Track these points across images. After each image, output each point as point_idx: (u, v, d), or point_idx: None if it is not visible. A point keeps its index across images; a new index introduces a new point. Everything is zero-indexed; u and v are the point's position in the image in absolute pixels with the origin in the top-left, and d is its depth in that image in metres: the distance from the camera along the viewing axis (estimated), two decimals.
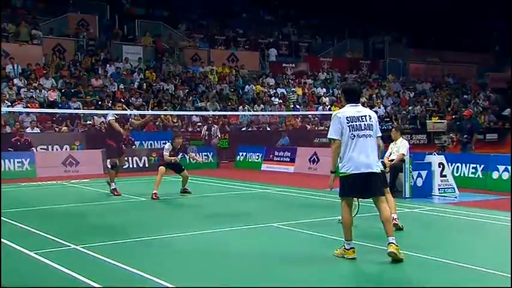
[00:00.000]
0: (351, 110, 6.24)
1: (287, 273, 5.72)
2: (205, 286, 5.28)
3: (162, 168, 11.81)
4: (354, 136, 6.11)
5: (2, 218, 9.00)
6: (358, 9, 34.23)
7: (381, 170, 6.47)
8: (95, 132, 19.92)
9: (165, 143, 12.60)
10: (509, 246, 6.27)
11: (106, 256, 6.29)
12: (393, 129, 12.01)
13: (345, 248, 6.16)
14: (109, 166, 12.60)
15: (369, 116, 6.25)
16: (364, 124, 6.18)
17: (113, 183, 12.02)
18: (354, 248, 6.15)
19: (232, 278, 5.59)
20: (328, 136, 6.24)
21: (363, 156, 6.10)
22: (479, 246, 7.14)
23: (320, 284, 5.35)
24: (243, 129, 23.17)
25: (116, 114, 12.37)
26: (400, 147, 11.24)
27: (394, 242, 5.96)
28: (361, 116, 6.20)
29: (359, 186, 6.12)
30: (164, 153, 11.95)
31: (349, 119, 6.13)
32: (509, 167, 12.06)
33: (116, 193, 11.87)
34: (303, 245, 7.15)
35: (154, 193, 11.29)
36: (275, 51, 30.60)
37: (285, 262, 6.18)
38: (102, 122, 20.31)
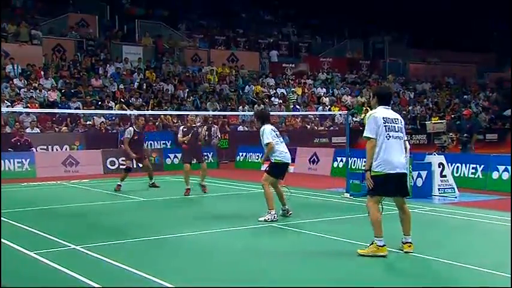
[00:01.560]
0: (385, 111, 6.39)
1: (286, 272, 5.73)
2: (204, 286, 5.29)
3: (186, 165, 12.11)
4: (390, 137, 6.26)
5: (2, 218, 9.02)
6: (358, 10, 34.27)
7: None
8: (95, 132, 19.93)
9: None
10: (509, 247, 6.28)
11: (106, 256, 6.30)
12: None
13: (377, 245, 6.19)
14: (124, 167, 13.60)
15: (400, 120, 6.49)
16: (397, 126, 6.38)
17: (121, 182, 12.90)
18: (386, 245, 6.19)
19: (231, 277, 5.58)
20: (365, 135, 6.33)
21: (398, 157, 6.28)
22: (478, 247, 7.15)
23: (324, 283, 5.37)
24: (240, 128, 23.13)
25: (135, 128, 13.16)
26: None
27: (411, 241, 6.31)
28: (395, 119, 6.40)
29: (392, 186, 6.25)
30: (178, 135, 12.47)
31: (385, 119, 6.29)
32: (509, 167, 12.07)
33: (117, 189, 12.73)
34: (303, 244, 7.15)
35: (187, 189, 11.85)
36: (276, 52, 30.65)
37: (284, 260, 6.19)
38: (102, 122, 20.35)
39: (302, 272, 5.79)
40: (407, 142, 6.63)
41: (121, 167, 16.35)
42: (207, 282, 5.44)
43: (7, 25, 23.47)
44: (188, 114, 14.42)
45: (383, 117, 6.29)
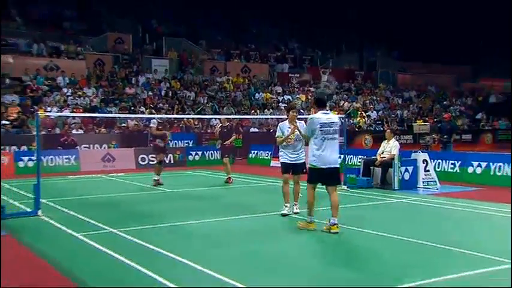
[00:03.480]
0: (323, 116, 6.71)
1: (278, 248, 5.76)
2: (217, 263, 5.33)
3: (226, 159, 12.48)
4: (325, 138, 6.62)
5: (53, 204, 9.15)
6: (354, 28, 34.18)
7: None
8: (129, 133, 20.04)
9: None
10: (484, 231, 6.26)
11: (138, 238, 6.35)
12: (387, 131, 12.11)
13: (307, 222, 6.79)
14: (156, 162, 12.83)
15: (336, 122, 6.79)
16: (332, 129, 6.69)
17: (157, 176, 12.25)
18: (314, 221, 6.75)
19: (239, 254, 5.63)
20: (303, 133, 7.07)
21: (331, 155, 6.67)
22: (457, 231, 7.11)
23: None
24: (252, 130, 23.14)
25: (159, 119, 12.53)
26: (392, 147, 11.28)
27: (337, 223, 6.56)
28: (331, 122, 6.70)
29: (324, 177, 6.69)
30: (217, 129, 12.80)
31: (322, 124, 6.62)
32: (482, 163, 12.03)
33: (156, 184, 12.07)
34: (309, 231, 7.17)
35: (229, 177, 12.27)
36: (287, 65, 30.63)
37: (279, 240, 6.21)
38: (136, 124, 20.45)
39: (291, 246, 5.83)
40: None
41: (151, 163, 16.40)
42: (224, 262, 5.44)
43: (60, 44, 23.77)
44: (207, 118, 14.65)
45: (320, 122, 6.61)
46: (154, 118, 12.62)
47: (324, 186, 6.87)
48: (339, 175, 6.90)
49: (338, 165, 6.84)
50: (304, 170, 7.66)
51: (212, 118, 21.97)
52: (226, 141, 12.57)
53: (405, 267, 5.16)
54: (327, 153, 6.63)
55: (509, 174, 11.41)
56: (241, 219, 7.91)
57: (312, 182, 6.80)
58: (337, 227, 6.55)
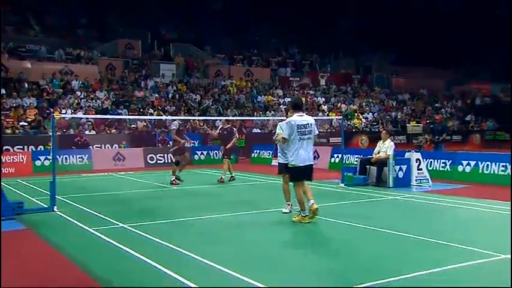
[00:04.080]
0: (299, 118, 6.94)
1: (277, 239, 5.80)
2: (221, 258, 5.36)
3: (226, 160, 12.39)
4: (302, 139, 6.88)
5: (68, 201, 9.20)
6: (351, 34, 34.16)
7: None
8: (138, 133, 20.09)
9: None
10: (473, 226, 6.27)
11: (148, 233, 6.36)
12: (383, 132, 12.12)
13: (302, 216, 6.96)
14: (174, 161, 12.57)
15: (311, 123, 7.00)
16: (308, 130, 6.93)
17: (174, 176, 12.02)
18: (308, 215, 6.90)
19: (246, 247, 5.67)
20: (282, 136, 7.05)
21: (307, 153, 6.93)
22: (447, 226, 7.13)
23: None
24: (254, 131, 23.18)
25: (179, 121, 12.33)
26: (388, 147, 11.29)
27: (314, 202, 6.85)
28: (306, 124, 6.94)
29: (303, 173, 6.93)
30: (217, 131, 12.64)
31: (298, 126, 6.87)
32: (471, 162, 12.05)
33: (174, 183, 11.85)
34: (305, 224, 7.20)
35: (231, 176, 12.27)
36: (288, 70, 30.63)
37: (277, 233, 6.24)
38: (144, 125, 20.50)
39: (292, 236, 5.85)
40: (316, 137, 7.14)
41: (158, 162, 16.43)
42: (229, 258, 5.46)
43: (72, 50, 23.87)
44: (212, 120, 14.59)
45: (297, 124, 6.85)
46: (175, 120, 12.48)
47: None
48: (313, 171, 7.17)
49: (313, 162, 7.11)
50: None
51: (217, 120, 22.02)
52: (228, 145, 12.43)
53: (396, 259, 5.18)
54: (304, 152, 6.89)
55: (496, 172, 11.42)
56: (246, 215, 7.93)
57: (295, 180, 7.00)
58: (316, 205, 6.86)
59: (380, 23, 33.69)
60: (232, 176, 12.53)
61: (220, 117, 21.97)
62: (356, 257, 5.31)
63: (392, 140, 11.90)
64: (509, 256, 5.01)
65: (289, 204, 7.89)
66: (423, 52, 33.21)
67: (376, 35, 33.65)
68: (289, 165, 6.99)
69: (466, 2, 34.07)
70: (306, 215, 6.91)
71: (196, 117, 21.39)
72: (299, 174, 6.93)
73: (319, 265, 5.05)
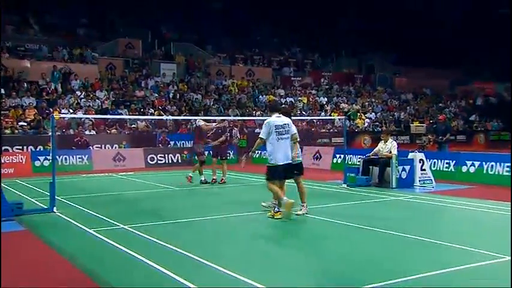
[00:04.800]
0: (277, 119, 7.33)
1: (279, 239, 5.78)
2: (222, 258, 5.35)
3: (214, 160, 12.13)
4: (279, 139, 7.23)
5: (67, 202, 9.20)
6: (353, 33, 34.15)
7: (299, 161, 7.73)
8: (138, 134, 20.10)
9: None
10: (478, 227, 6.25)
11: (149, 235, 6.35)
12: (383, 133, 12.08)
13: (275, 211, 7.26)
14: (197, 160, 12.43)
15: (288, 124, 7.40)
16: (285, 130, 7.31)
17: (203, 175, 11.97)
18: (280, 211, 7.21)
19: (247, 250, 5.66)
20: (260, 136, 7.37)
21: (284, 152, 7.26)
22: (452, 227, 7.12)
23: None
24: (256, 131, 23.17)
25: (203, 120, 12.23)
26: (391, 147, 11.26)
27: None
28: (284, 124, 7.33)
29: (281, 172, 7.25)
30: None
31: (276, 126, 7.26)
32: (475, 162, 12.02)
33: (204, 181, 11.86)
34: (307, 225, 7.19)
35: (214, 178, 11.90)
36: (290, 69, 30.62)
37: (278, 234, 6.23)
38: (145, 125, 20.51)
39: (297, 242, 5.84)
40: (295, 135, 7.52)
41: (159, 162, 16.35)
42: (229, 259, 5.46)
43: (73, 50, 23.88)
44: (214, 120, 14.32)
45: (275, 125, 7.24)
46: (198, 119, 12.44)
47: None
48: (292, 170, 7.43)
49: (291, 161, 7.37)
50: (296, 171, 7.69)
51: (219, 119, 22.01)
52: (214, 142, 12.08)
53: (398, 261, 5.16)
54: (282, 152, 7.22)
55: (501, 173, 11.39)
56: (248, 215, 7.91)
57: (272, 179, 7.29)
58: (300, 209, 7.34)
59: (380, 23, 33.66)
60: (214, 179, 12.06)
61: (222, 118, 22.02)
62: (357, 258, 5.29)
63: (394, 140, 11.87)
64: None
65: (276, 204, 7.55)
66: (424, 52, 33.19)
67: (377, 34, 33.62)
68: (268, 164, 7.31)
69: (468, 1, 34.08)
70: (279, 211, 7.21)
71: (198, 117, 21.34)
72: (277, 173, 7.25)
73: (321, 266, 5.03)
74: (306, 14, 33.43)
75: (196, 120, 12.58)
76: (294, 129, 7.47)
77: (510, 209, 7.66)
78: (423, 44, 33.42)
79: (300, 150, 7.91)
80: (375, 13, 34.35)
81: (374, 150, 11.75)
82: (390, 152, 11.21)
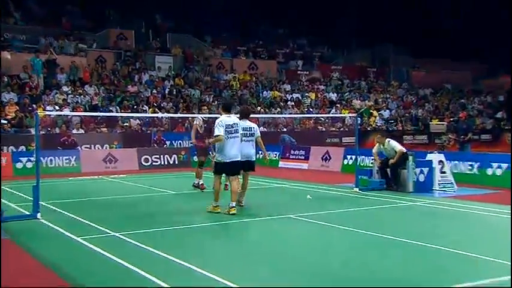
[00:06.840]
0: (227, 118, 8.33)
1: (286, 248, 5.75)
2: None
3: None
4: (228, 137, 8.20)
5: (53, 207, 9.18)
6: (365, 23, 34.05)
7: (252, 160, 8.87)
8: (131, 133, 20.10)
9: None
10: (505, 236, 6.18)
11: (143, 243, 6.31)
12: (377, 136, 11.97)
13: (213, 206, 8.32)
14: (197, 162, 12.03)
15: (237, 123, 8.40)
16: (234, 129, 8.30)
17: (200, 180, 11.51)
18: (219, 205, 8.29)
19: (253, 261, 5.62)
20: (216, 133, 8.23)
21: (233, 150, 8.28)
22: (476, 236, 7.05)
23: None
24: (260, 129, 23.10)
25: (203, 117, 11.73)
26: (393, 147, 11.19)
27: (235, 206, 8.26)
28: (233, 123, 8.35)
29: (229, 169, 8.35)
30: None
31: (226, 125, 8.21)
32: (502, 165, 11.91)
33: (202, 187, 11.37)
34: (315, 233, 7.14)
35: (201, 183, 11.50)
36: (296, 62, 30.61)
37: (283, 242, 6.20)
38: (138, 123, 20.52)
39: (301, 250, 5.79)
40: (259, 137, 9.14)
41: (154, 164, 16.30)
42: (231, 268, 5.44)
43: (58, 41, 23.83)
44: (213, 118, 14.11)
45: (225, 124, 8.20)
46: (197, 117, 11.99)
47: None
48: (239, 167, 8.50)
49: (239, 159, 8.36)
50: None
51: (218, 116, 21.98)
52: (194, 141, 11.76)
53: (412, 273, 5.11)
54: (230, 149, 8.22)
55: None
56: (250, 222, 7.88)
57: (217, 173, 8.43)
58: (235, 209, 8.17)
59: (398, 11, 33.53)
60: (202, 184, 11.53)
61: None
62: (366, 269, 5.25)
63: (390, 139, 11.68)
64: None
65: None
66: (446, 42, 33.01)
67: (394, 24, 33.49)
68: (215, 160, 8.46)
69: None
70: (218, 205, 8.28)
71: (196, 115, 21.30)
72: (222, 169, 8.40)
73: (329, 275, 4.99)
74: (314, 2, 33.34)
75: (196, 118, 12.30)
76: (258, 132, 8.96)
77: (510, 211, 7.64)
78: (443, 33, 33.25)
79: (254, 147, 8.98)
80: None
81: (373, 151, 11.69)
82: (396, 153, 11.09)
